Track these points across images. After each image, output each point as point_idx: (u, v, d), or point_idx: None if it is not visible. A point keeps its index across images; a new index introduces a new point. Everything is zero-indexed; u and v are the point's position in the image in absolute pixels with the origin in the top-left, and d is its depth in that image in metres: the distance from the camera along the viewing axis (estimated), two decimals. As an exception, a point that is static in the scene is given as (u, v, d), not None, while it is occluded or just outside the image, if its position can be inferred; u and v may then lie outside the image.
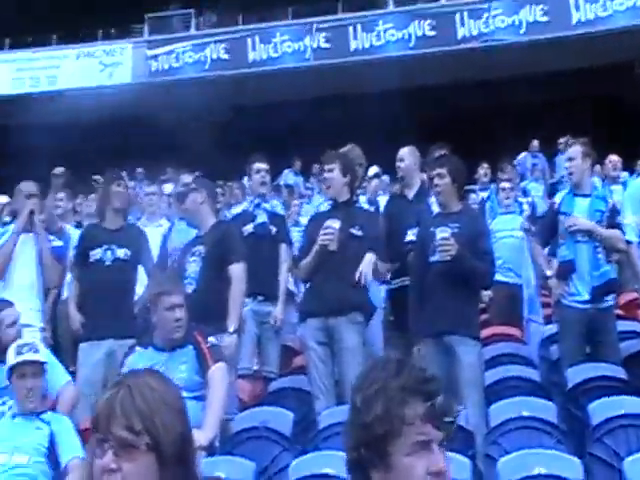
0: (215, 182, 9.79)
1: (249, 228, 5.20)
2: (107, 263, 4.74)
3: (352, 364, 4.19)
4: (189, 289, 4.39)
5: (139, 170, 12.47)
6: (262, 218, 5.27)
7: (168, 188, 7.75)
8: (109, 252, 4.75)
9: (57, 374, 3.44)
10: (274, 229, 5.24)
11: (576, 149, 4.85)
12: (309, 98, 13.57)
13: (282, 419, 4.09)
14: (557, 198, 6.06)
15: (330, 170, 4.54)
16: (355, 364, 4.18)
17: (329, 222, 4.34)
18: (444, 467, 1.46)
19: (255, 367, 5.05)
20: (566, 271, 4.62)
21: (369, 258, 4.29)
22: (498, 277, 6.01)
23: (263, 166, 5.45)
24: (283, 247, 5.29)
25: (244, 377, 4.87)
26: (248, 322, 4.93)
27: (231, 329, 4.32)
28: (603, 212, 4.70)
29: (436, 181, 4.40)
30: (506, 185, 6.87)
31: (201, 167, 9.93)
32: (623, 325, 5.16)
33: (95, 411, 1.49)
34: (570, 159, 4.82)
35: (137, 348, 3.88)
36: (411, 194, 5.26)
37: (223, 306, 4.37)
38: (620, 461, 3.43)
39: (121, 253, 4.75)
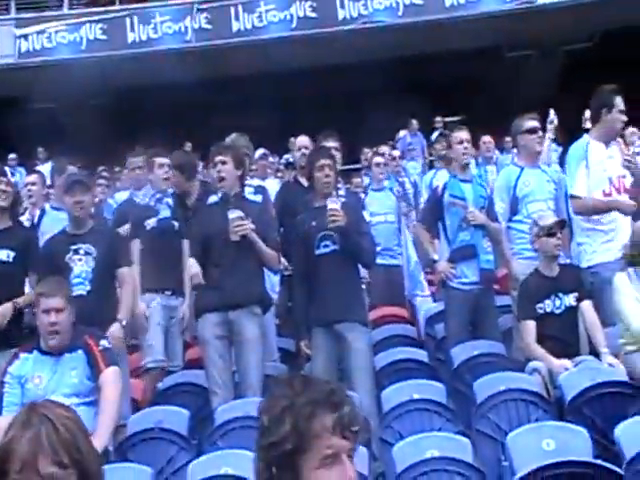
0: (97, 167, 9.51)
1: (152, 222, 5.15)
2: None
3: (253, 356, 4.25)
4: (80, 290, 4.30)
5: (12, 156, 11.85)
6: (165, 213, 5.22)
7: (44, 169, 7.40)
8: None
9: None
10: (176, 224, 5.17)
11: (465, 134, 5.07)
12: (192, 80, 13.31)
13: (177, 417, 4.04)
14: (437, 181, 6.32)
15: (223, 162, 4.49)
16: (255, 356, 4.26)
17: (231, 214, 4.30)
18: (353, 476, 1.50)
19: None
20: (467, 254, 4.84)
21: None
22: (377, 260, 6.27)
23: (166, 161, 5.38)
24: (186, 242, 5.21)
25: (150, 370, 4.82)
26: (156, 315, 4.92)
27: (122, 319, 4.37)
28: (485, 198, 5.01)
29: (327, 171, 4.46)
30: (379, 160, 6.93)
31: (80, 152, 9.55)
32: (498, 300, 5.44)
33: (14, 451, 1.39)
34: (462, 142, 5.02)
35: (21, 354, 3.73)
36: (306, 182, 5.31)
37: (116, 308, 4.42)
38: (504, 435, 3.65)
39: (3, 255, 4.51)
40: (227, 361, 4.32)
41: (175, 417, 4.03)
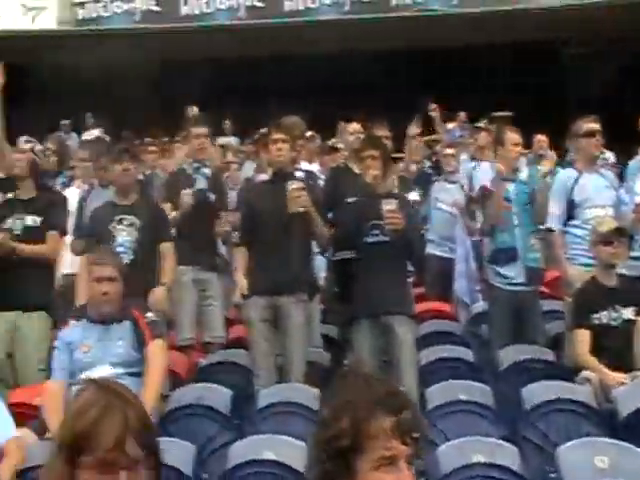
0: (144, 139, 9.50)
1: (187, 193, 5.06)
2: (16, 232, 4.56)
3: (297, 342, 4.24)
4: (125, 259, 4.28)
5: (64, 122, 11.88)
6: (201, 184, 5.13)
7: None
8: (18, 221, 4.59)
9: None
10: (213, 196, 5.12)
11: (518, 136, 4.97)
12: (238, 57, 13.25)
13: (220, 396, 4.02)
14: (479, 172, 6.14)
15: (283, 141, 4.45)
16: (300, 342, 4.25)
17: (291, 185, 4.27)
18: None
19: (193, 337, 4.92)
20: (508, 257, 4.72)
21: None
22: (435, 251, 6.17)
23: (202, 131, 5.27)
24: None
25: (184, 348, 4.79)
26: (187, 291, 4.88)
27: (166, 283, 4.43)
28: (528, 194, 4.92)
29: (369, 163, 4.35)
30: (449, 151, 6.75)
31: (129, 123, 9.56)
32: (548, 304, 5.32)
33: (104, 431, 1.37)
34: (518, 145, 4.93)
35: (70, 321, 3.74)
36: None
37: (156, 280, 4.46)
38: (551, 445, 3.55)
39: (29, 221, 4.58)
40: (271, 344, 4.30)
41: (218, 395, 4.00)
